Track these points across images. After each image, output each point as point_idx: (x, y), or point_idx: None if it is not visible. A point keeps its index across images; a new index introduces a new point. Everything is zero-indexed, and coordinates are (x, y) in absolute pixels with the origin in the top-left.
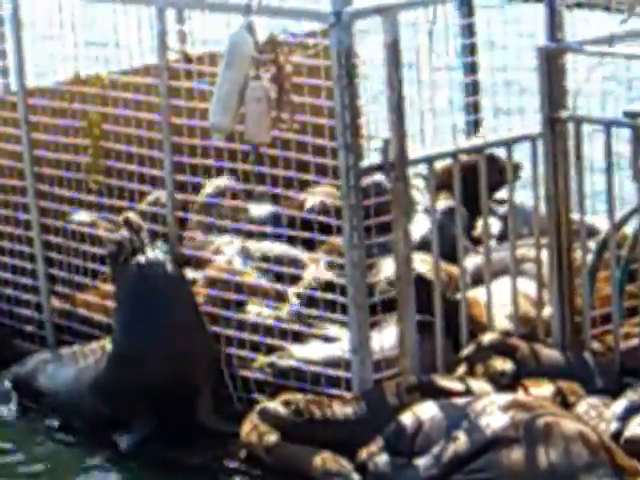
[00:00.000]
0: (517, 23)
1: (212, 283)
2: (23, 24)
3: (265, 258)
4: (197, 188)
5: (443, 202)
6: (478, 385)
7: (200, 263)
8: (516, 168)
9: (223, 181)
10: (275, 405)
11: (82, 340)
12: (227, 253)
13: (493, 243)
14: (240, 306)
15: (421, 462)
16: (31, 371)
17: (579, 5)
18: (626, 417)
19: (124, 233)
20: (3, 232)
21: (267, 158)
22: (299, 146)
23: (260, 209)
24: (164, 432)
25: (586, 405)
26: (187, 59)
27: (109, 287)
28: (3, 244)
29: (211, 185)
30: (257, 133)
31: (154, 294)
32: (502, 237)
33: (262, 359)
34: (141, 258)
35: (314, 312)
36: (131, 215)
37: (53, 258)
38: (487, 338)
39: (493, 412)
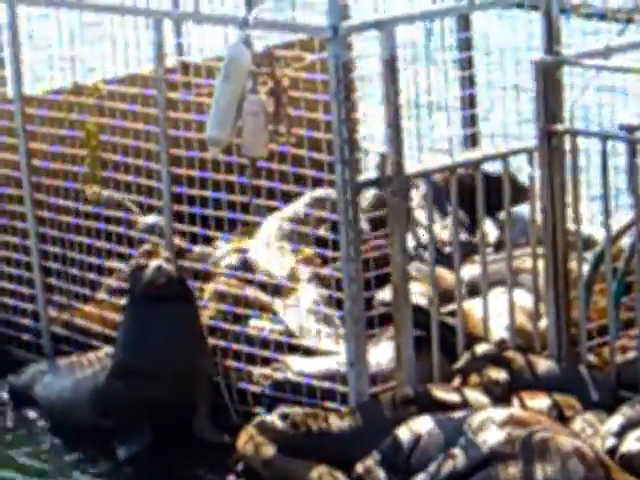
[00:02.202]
0: (514, 31)
1: (221, 297)
2: (20, 33)
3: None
4: (193, 200)
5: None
6: (474, 396)
7: (201, 275)
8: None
9: None
10: (273, 418)
11: (80, 350)
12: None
13: (490, 251)
14: (240, 319)
15: (418, 479)
16: (28, 381)
17: (576, 15)
18: (622, 433)
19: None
20: (0, 241)
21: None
22: (296, 160)
23: None
24: (162, 443)
25: (582, 422)
26: (185, 70)
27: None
28: (1, 253)
29: None
30: (254, 146)
31: (163, 308)
32: (500, 244)
33: (259, 372)
34: (154, 271)
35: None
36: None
37: (50, 267)
38: (481, 348)
39: (490, 428)
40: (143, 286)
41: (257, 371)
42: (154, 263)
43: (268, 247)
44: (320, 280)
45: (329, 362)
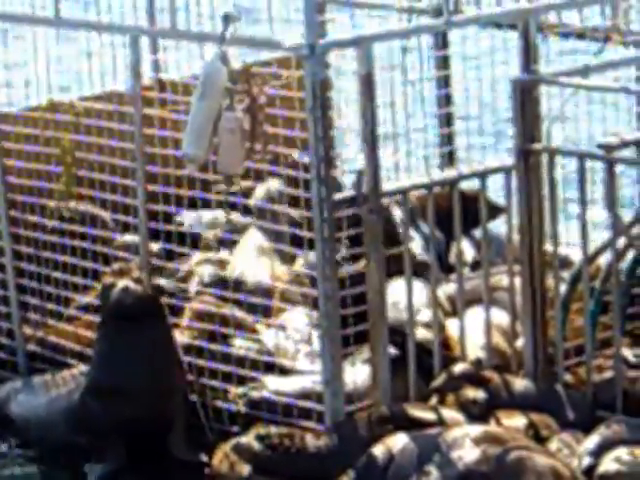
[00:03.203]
0: (491, 51)
1: (199, 316)
2: None
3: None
4: (169, 217)
5: None
6: (450, 415)
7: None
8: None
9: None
10: (249, 440)
11: (54, 368)
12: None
13: (467, 270)
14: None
15: None
16: (3, 398)
17: (553, 35)
18: (599, 452)
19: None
20: None
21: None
22: (272, 177)
23: None
24: (137, 461)
25: (558, 441)
26: (161, 87)
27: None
28: None
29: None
30: (230, 164)
31: (133, 327)
32: (476, 264)
33: (235, 390)
34: (120, 291)
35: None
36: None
37: (25, 285)
38: (458, 368)
39: (465, 445)
40: (110, 306)
41: (233, 389)
42: (121, 283)
43: (254, 259)
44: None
45: (305, 381)
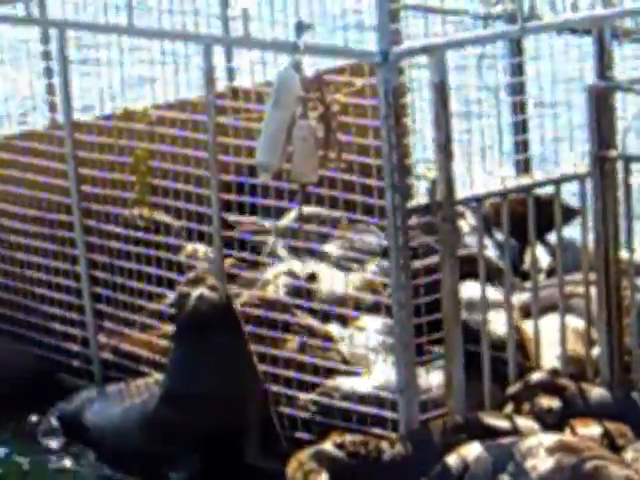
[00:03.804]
0: (566, 57)
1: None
2: (70, 60)
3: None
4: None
5: None
6: (525, 423)
7: None
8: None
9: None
10: (328, 447)
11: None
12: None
13: (542, 277)
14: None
15: None
16: (78, 407)
17: (629, 41)
18: None
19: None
20: (50, 267)
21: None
22: (346, 185)
23: None
24: (212, 470)
25: (634, 451)
26: (234, 95)
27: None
28: (51, 279)
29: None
30: (304, 172)
31: (208, 335)
32: (551, 271)
33: (305, 397)
34: (196, 299)
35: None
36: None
37: (100, 293)
38: (535, 377)
39: (539, 454)
40: (186, 315)
41: (305, 397)
42: (196, 292)
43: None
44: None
45: (379, 388)
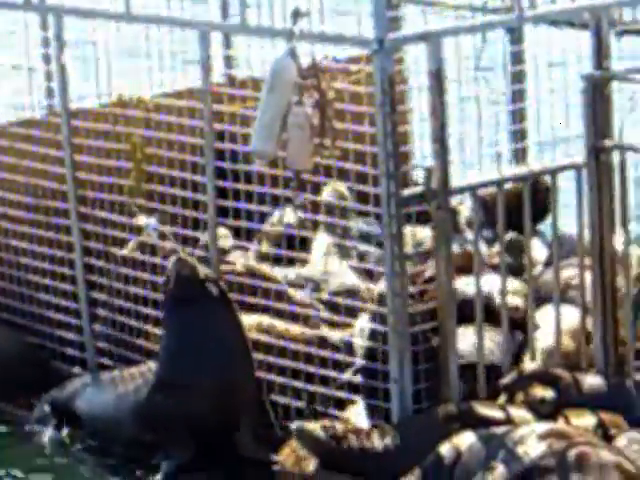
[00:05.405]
0: (563, 49)
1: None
2: (67, 45)
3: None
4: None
5: None
6: (518, 413)
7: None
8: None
9: None
10: (313, 426)
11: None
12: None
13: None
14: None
15: None
16: (70, 395)
17: (626, 32)
18: None
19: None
20: (45, 254)
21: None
22: (340, 173)
23: None
24: (203, 459)
25: (626, 438)
26: (231, 83)
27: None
28: (45, 266)
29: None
30: (299, 159)
31: (200, 323)
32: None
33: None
34: (186, 286)
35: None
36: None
37: (94, 281)
38: (529, 367)
39: (531, 441)
40: (170, 285)
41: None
42: (173, 257)
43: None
44: None
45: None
